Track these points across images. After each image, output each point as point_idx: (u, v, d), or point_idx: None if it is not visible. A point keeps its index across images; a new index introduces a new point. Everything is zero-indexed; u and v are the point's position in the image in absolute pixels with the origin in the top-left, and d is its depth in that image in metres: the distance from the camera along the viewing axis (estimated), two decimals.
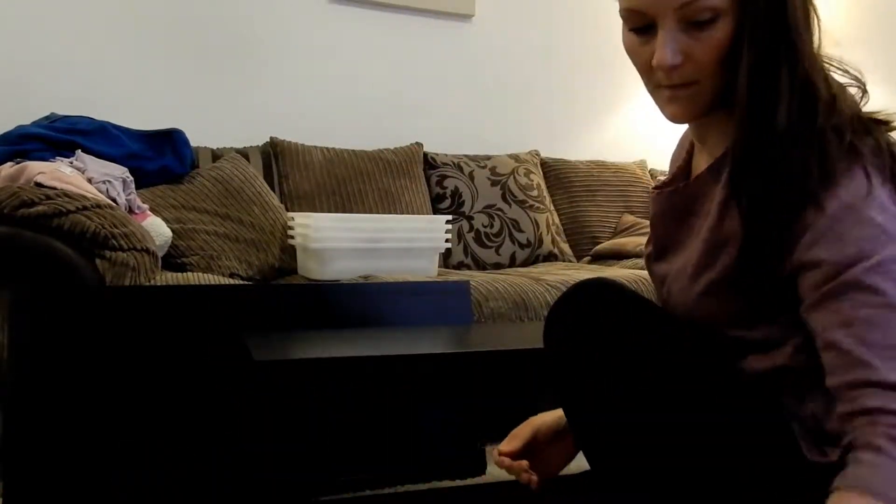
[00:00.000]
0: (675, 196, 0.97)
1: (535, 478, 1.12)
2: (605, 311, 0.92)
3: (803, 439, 0.83)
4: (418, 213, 2.55)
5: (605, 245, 2.74)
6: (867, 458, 0.70)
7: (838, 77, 0.87)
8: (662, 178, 1.05)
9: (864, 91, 0.87)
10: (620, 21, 0.88)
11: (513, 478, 1.15)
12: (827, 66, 0.87)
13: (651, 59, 0.83)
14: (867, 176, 0.79)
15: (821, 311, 0.77)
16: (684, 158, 1.02)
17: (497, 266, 2.59)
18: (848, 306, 0.75)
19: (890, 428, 0.70)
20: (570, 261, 2.73)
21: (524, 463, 1.12)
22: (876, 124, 0.84)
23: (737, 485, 0.84)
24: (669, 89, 0.85)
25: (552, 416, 1.15)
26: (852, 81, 0.87)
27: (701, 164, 0.96)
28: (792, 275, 0.81)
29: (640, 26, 0.84)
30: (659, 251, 1.00)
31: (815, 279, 0.78)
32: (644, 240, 1.14)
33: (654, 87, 0.87)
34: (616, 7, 0.88)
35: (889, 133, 0.84)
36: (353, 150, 2.59)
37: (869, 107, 0.87)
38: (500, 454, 1.14)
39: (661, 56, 0.81)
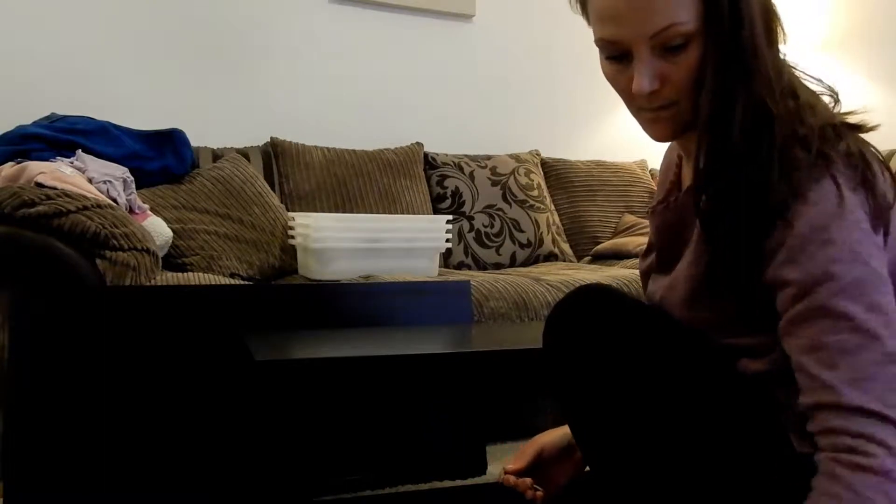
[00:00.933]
0: (668, 212, 0.98)
1: (539, 493, 1.15)
2: (603, 315, 0.93)
3: (794, 431, 0.84)
4: (419, 213, 2.55)
5: (606, 245, 2.74)
6: (827, 489, 0.73)
7: (811, 86, 0.88)
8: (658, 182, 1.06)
9: (837, 100, 0.87)
10: None
11: None
12: (799, 76, 0.87)
13: (630, 85, 0.84)
14: (837, 186, 0.78)
15: (792, 335, 0.79)
16: (675, 172, 1.03)
17: (497, 266, 2.59)
18: (817, 331, 0.76)
19: (850, 454, 0.72)
20: (571, 261, 2.73)
21: (528, 480, 1.15)
22: (849, 129, 0.83)
23: (731, 479, 0.85)
24: (651, 112, 0.86)
25: (557, 434, 1.17)
26: (825, 90, 0.87)
27: (689, 176, 0.97)
28: (771, 288, 0.82)
29: (615, 55, 0.85)
30: (660, 266, 1.01)
31: (785, 299, 0.79)
32: (645, 240, 1.15)
33: (636, 109, 0.88)
34: None
35: (864, 135, 0.84)
36: (353, 150, 2.59)
37: (870, 105, 0.87)
38: (506, 472, 1.16)
39: (638, 84, 0.82)
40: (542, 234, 2.68)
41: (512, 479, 1.15)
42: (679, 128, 0.88)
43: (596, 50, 0.88)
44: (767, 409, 0.86)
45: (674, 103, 0.85)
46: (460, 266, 2.56)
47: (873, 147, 0.84)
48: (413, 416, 1.62)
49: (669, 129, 0.88)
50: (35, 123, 2.08)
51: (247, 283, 1.98)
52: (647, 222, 2.48)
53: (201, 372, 1.47)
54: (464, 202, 2.64)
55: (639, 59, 0.82)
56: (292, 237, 2.15)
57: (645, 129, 0.90)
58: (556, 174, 2.92)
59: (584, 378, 0.93)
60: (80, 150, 1.97)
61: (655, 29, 0.80)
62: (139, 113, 2.39)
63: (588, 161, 3.01)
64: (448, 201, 2.64)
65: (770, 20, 0.84)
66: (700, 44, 0.81)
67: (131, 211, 1.92)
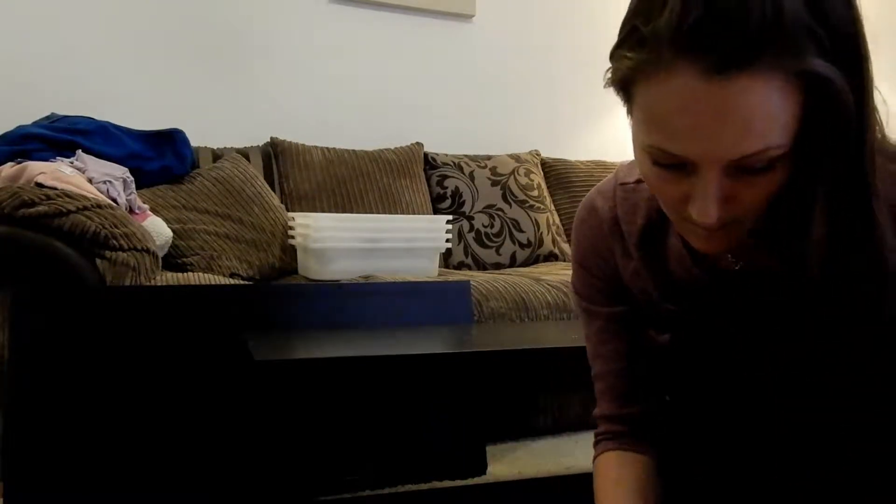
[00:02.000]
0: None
1: None
2: None
3: None
4: (419, 213, 2.55)
5: None
6: None
7: None
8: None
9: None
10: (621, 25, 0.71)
11: (512, 477, 1.15)
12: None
13: (683, 201, 0.65)
14: None
15: None
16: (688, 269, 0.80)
17: (497, 266, 2.59)
18: None
19: None
20: (571, 261, 2.73)
21: None
22: None
23: None
24: (705, 229, 0.66)
25: None
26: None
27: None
28: None
29: (671, 164, 0.63)
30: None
31: None
32: None
33: (681, 219, 0.68)
34: (616, 7, 0.77)
35: None
36: (353, 150, 2.59)
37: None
38: None
39: (703, 213, 0.62)
40: (542, 234, 2.68)
41: None
42: (734, 244, 0.70)
43: (595, 49, 0.75)
44: None
45: (737, 221, 0.66)
46: (460, 266, 2.56)
47: None
48: (413, 416, 1.62)
49: (723, 246, 0.70)
50: (35, 123, 2.08)
51: (247, 283, 1.98)
52: None
53: (201, 372, 1.47)
54: (464, 202, 2.64)
55: (707, 180, 0.61)
56: (292, 237, 2.15)
57: (691, 241, 0.71)
58: (556, 174, 2.92)
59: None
60: (80, 151, 1.97)
61: (744, 153, 0.59)
62: (139, 113, 2.39)
63: (588, 161, 3.01)
64: (448, 201, 2.64)
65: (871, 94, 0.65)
66: (788, 160, 0.62)
67: (131, 211, 1.92)
